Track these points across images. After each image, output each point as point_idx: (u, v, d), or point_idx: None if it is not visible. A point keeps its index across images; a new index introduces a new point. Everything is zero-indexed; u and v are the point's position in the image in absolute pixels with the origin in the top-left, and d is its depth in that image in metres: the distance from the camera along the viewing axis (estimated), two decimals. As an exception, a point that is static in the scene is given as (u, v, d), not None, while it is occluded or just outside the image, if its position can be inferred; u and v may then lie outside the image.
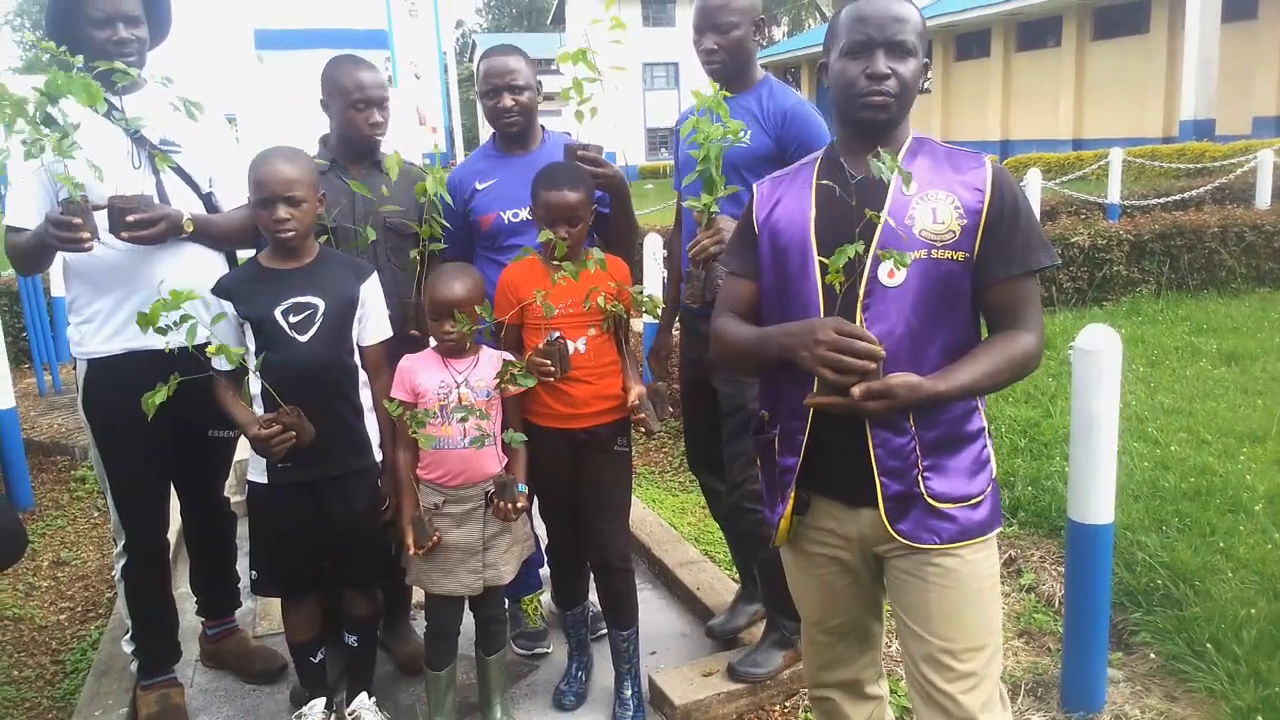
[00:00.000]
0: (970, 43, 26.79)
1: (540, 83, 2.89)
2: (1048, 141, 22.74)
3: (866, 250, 1.70)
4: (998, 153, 22.85)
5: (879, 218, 1.70)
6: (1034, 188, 9.60)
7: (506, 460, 2.55)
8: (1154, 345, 6.26)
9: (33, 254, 2.49)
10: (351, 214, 2.74)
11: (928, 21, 1.83)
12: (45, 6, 2.57)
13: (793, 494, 1.87)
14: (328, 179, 2.74)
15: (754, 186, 1.98)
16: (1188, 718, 2.63)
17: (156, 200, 2.51)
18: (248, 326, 2.41)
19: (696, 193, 2.68)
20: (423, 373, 2.49)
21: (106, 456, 2.69)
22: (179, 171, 2.61)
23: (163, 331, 2.21)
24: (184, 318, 2.23)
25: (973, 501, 1.78)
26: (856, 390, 1.63)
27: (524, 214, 2.75)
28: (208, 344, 2.39)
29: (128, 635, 2.86)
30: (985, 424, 1.83)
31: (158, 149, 2.56)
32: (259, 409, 2.42)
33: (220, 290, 2.43)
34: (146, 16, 2.60)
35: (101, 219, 2.37)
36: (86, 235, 2.29)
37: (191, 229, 2.51)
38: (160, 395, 2.23)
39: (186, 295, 2.22)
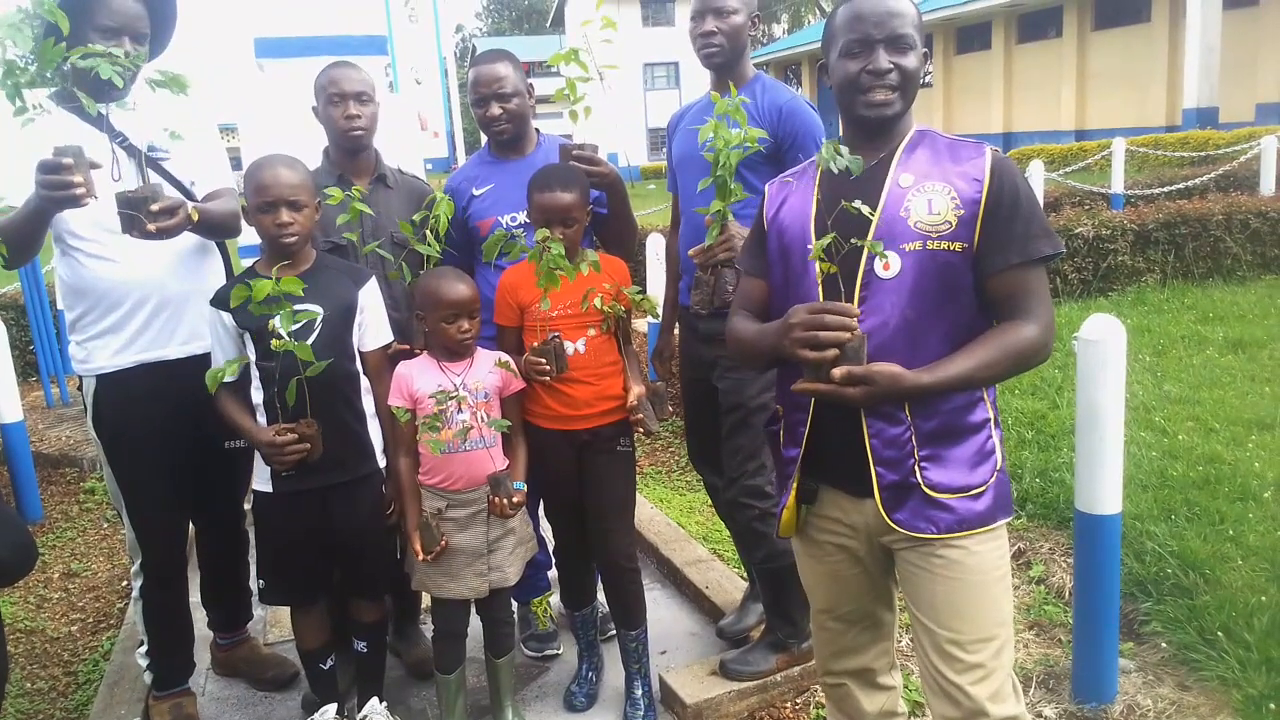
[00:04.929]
0: (971, 35, 26.74)
1: (532, 86, 2.89)
2: (1050, 133, 22.70)
3: (857, 243, 1.71)
4: (1000, 145, 22.79)
5: (854, 208, 1.71)
6: (1037, 179, 9.58)
7: (509, 463, 2.56)
8: (1160, 334, 6.24)
9: (18, 226, 2.29)
10: (361, 231, 2.74)
11: (927, 15, 1.84)
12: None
13: (795, 484, 1.90)
14: None
15: (765, 186, 2.01)
16: (1200, 706, 2.62)
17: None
18: (247, 336, 2.41)
19: (693, 192, 2.68)
20: (420, 378, 2.49)
21: (120, 473, 2.65)
22: (169, 179, 2.59)
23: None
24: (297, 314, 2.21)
25: (973, 492, 1.78)
26: (837, 372, 1.65)
27: (522, 217, 2.75)
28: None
29: (142, 648, 2.86)
30: (991, 415, 1.82)
31: (148, 156, 2.54)
32: (262, 419, 2.42)
33: (218, 301, 2.42)
34: (151, 35, 2.57)
35: (109, 223, 2.28)
36: (79, 181, 2.09)
37: (196, 218, 2.38)
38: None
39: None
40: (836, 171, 1.71)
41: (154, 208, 2.19)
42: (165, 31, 2.68)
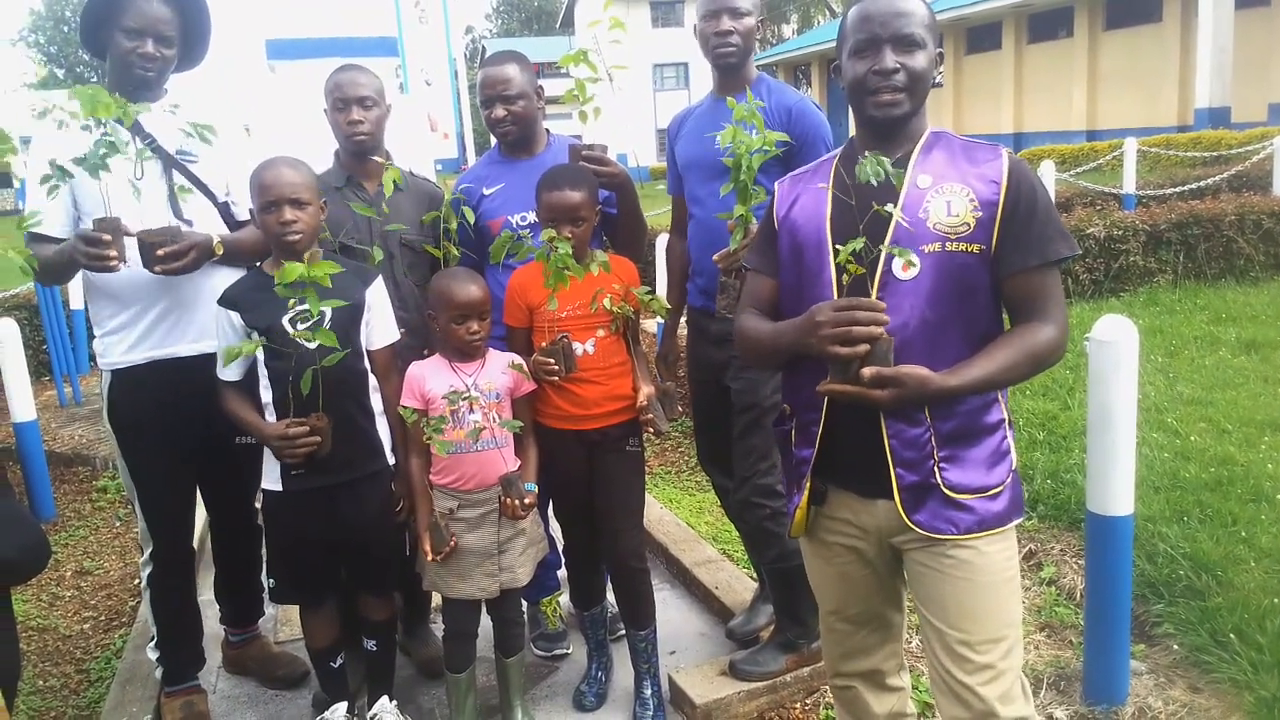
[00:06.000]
0: (981, 36, 26.64)
1: (542, 88, 2.90)
2: (1061, 133, 22.59)
3: (875, 244, 1.70)
4: (1011, 145, 22.71)
5: (886, 212, 1.70)
6: (1048, 180, 9.54)
7: (520, 463, 2.56)
8: (1172, 335, 6.20)
9: (55, 267, 2.50)
10: (369, 232, 2.75)
11: (938, 15, 1.83)
12: (82, 5, 2.59)
13: (808, 485, 1.89)
14: (343, 194, 2.76)
15: (775, 185, 2.00)
16: (1211, 709, 2.60)
17: (173, 216, 2.53)
18: (255, 336, 2.42)
19: (715, 195, 2.69)
20: (431, 378, 2.50)
21: (133, 466, 2.71)
22: (195, 182, 2.63)
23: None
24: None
25: (991, 492, 1.78)
26: (867, 372, 1.64)
27: (531, 217, 2.76)
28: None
29: (152, 642, 2.89)
30: (1006, 415, 1.83)
31: (175, 160, 2.58)
32: (270, 418, 2.43)
33: (226, 300, 2.44)
34: (183, 41, 2.62)
35: (132, 244, 2.39)
36: (114, 254, 2.30)
37: (221, 251, 2.53)
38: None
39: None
40: (876, 184, 1.68)
41: (159, 253, 2.38)
42: (200, 43, 2.73)
